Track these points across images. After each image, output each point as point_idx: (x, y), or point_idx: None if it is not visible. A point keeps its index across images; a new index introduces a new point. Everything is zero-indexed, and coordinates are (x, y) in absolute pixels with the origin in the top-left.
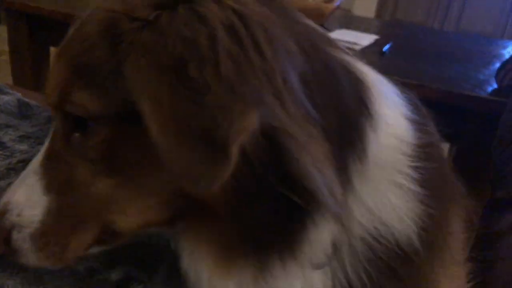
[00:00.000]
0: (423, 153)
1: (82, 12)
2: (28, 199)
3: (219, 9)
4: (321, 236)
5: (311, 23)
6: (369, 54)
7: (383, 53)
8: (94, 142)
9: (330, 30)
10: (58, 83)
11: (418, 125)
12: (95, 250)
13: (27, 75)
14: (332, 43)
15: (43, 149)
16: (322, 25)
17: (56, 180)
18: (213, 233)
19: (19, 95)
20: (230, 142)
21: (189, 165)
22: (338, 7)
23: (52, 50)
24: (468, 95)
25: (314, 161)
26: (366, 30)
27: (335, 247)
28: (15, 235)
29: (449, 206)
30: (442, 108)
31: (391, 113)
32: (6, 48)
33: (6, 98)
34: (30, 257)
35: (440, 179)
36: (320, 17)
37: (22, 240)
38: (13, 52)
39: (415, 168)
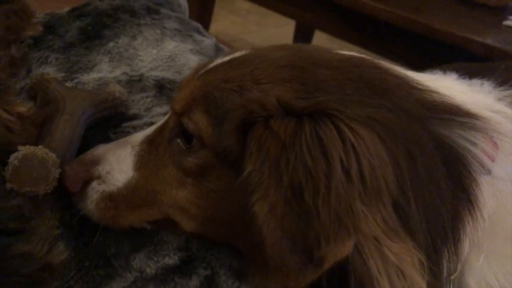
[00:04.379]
0: None
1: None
2: (119, 164)
3: (339, 139)
4: None
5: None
6: None
7: None
8: (190, 157)
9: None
10: (188, 97)
11: None
12: (147, 226)
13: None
14: (438, 110)
15: (149, 130)
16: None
17: (145, 165)
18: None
19: (214, 39)
20: (325, 261)
21: (283, 257)
22: None
23: None
24: None
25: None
26: None
27: None
28: (95, 184)
29: None
30: None
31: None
32: None
33: (206, 41)
34: (90, 207)
35: None
36: None
37: (96, 191)
38: None
39: None
